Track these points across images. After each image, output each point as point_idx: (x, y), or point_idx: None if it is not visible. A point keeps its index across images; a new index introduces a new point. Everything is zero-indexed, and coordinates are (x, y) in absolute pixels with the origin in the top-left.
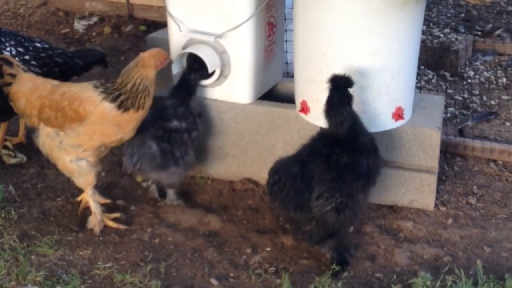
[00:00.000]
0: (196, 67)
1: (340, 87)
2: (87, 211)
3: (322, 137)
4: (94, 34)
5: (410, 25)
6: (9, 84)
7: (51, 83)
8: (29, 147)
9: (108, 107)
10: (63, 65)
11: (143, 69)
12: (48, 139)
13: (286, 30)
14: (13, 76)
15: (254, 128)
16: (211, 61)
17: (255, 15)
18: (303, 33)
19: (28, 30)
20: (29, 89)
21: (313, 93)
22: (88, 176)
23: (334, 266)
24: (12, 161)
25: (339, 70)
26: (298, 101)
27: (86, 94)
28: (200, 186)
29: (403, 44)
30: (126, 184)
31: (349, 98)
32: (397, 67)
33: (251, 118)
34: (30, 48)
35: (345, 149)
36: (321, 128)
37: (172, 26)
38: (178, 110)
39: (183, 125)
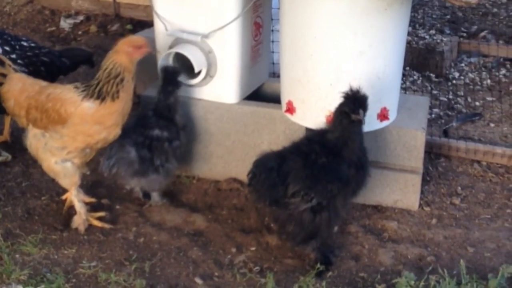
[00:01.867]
0: (173, 80)
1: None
2: (72, 210)
3: (310, 137)
4: (80, 33)
5: (396, 26)
6: (0, 84)
7: (39, 84)
8: (14, 146)
9: (87, 106)
10: (49, 64)
11: (116, 55)
12: (34, 140)
13: (272, 31)
14: (4, 76)
15: (240, 128)
16: (198, 61)
17: (241, 15)
18: (290, 33)
19: (14, 29)
20: (18, 89)
21: (299, 94)
22: (73, 177)
23: (318, 266)
24: None
25: (326, 71)
26: (284, 101)
27: (67, 96)
28: (185, 186)
29: (389, 45)
30: (110, 183)
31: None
32: (382, 68)
33: (237, 118)
34: (17, 47)
35: (328, 152)
36: (310, 129)
37: (158, 26)
38: (160, 121)
39: (164, 134)
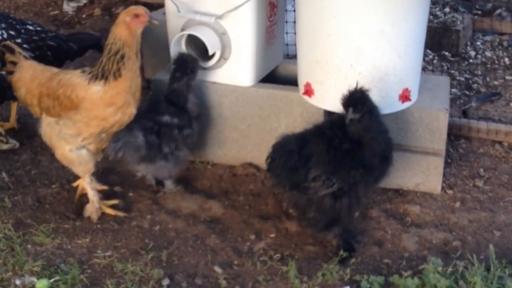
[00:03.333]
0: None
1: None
2: (84, 198)
3: (331, 121)
4: (84, 16)
5: (417, 3)
6: (11, 73)
7: (50, 71)
8: (22, 133)
9: (96, 89)
10: (56, 48)
11: (115, 28)
12: (48, 129)
13: (286, 11)
14: (15, 64)
15: (256, 112)
16: (211, 43)
17: None
18: (307, 13)
19: (16, 13)
20: (29, 77)
21: (318, 75)
22: (88, 165)
23: (341, 252)
24: (4, 147)
25: (345, 51)
26: (302, 83)
27: (77, 81)
28: (200, 171)
29: (410, 23)
30: (123, 170)
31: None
32: (404, 47)
33: (253, 101)
34: (22, 31)
35: (351, 138)
36: (329, 112)
37: (170, 7)
38: (170, 107)
39: (174, 121)
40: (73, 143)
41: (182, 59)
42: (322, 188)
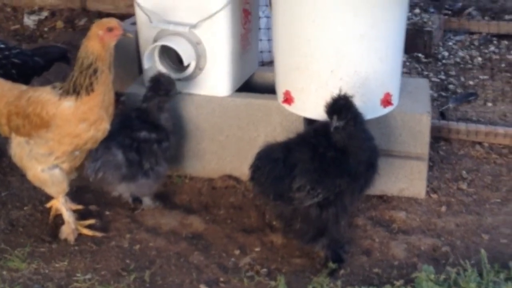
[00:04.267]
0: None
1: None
2: (58, 218)
3: (317, 129)
4: (46, 29)
5: (397, 5)
6: None
7: (19, 89)
8: None
9: (67, 105)
10: (21, 66)
11: (87, 41)
12: (18, 149)
13: (260, 17)
14: None
15: (234, 122)
16: (186, 54)
17: (230, 2)
18: (285, 18)
19: None
20: None
21: (297, 82)
22: (61, 185)
23: (330, 264)
24: None
25: (326, 56)
26: (281, 91)
27: (46, 97)
28: (178, 186)
29: (390, 26)
30: (97, 188)
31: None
32: (385, 50)
33: (230, 111)
34: None
35: (336, 145)
36: (309, 120)
37: (141, 17)
38: (145, 123)
39: (153, 136)
40: (45, 163)
41: (156, 79)
42: (307, 198)
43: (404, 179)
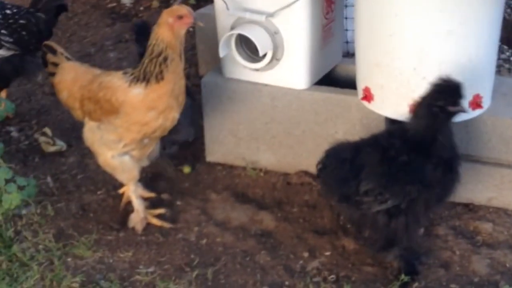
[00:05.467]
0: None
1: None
2: (129, 206)
3: (391, 130)
4: (141, 8)
5: (491, 1)
6: (53, 74)
7: (92, 72)
8: (69, 133)
9: (136, 92)
10: (26, 25)
11: (158, 29)
12: (90, 133)
13: (346, 6)
14: (56, 65)
15: (311, 116)
16: (262, 43)
17: None
18: (367, 11)
19: (73, 5)
20: (71, 79)
21: (378, 79)
22: (131, 172)
23: (402, 276)
24: (51, 149)
25: (408, 53)
26: (360, 87)
27: (117, 83)
28: (252, 179)
29: (482, 22)
30: (171, 175)
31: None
32: (475, 49)
33: (307, 105)
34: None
35: (410, 149)
36: (390, 119)
37: (218, 4)
38: None
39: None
40: (115, 149)
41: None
42: (375, 204)
43: (493, 187)
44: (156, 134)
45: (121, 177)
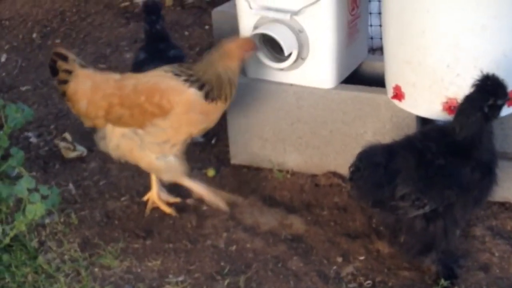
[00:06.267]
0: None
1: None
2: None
3: (426, 132)
4: None
5: None
6: (65, 82)
7: (112, 78)
8: (90, 138)
9: (195, 94)
10: None
11: (229, 61)
12: (124, 140)
13: (370, 1)
14: (69, 72)
15: (338, 116)
16: (287, 42)
17: None
18: (396, 6)
19: (86, 5)
20: (89, 88)
21: (409, 77)
22: (178, 169)
23: (441, 281)
24: (72, 155)
25: (441, 50)
26: (390, 85)
27: (168, 84)
28: (279, 181)
29: None
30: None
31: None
32: (509, 44)
33: (334, 105)
34: None
35: (447, 152)
36: (422, 118)
37: (241, 3)
38: None
39: None
40: (159, 151)
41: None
42: (412, 209)
43: None
44: (193, 135)
45: (166, 176)
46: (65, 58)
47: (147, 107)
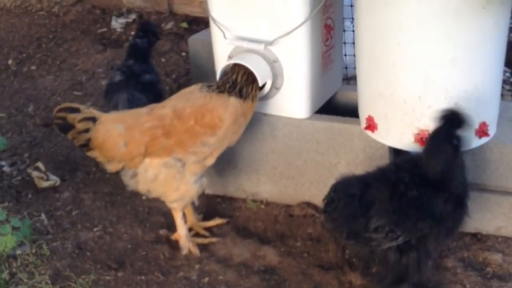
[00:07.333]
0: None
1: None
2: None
3: (399, 164)
4: (132, 33)
5: (495, 26)
6: (86, 131)
7: (139, 113)
8: (63, 167)
9: (235, 100)
10: None
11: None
12: (165, 169)
13: (344, 31)
14: (89, 119)
15: (312, 146)
16: (262, 72)
17: (310, 18)
18: (368, 38)
19: (63, 31)
20: (124, 128)
21: (381, 108)
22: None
23: None
24: (44, 184)
25: (412, 82)
26: (363, 116)
27: (212, 102)
28: (253, 211)
29: (487, 49)
30: (167, 209)
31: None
32: (480, 76)
33: (309, 135)
34: None
35: (419, 183)
36: (394, 148)
37: (215, 33)
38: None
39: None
40: (198, 169)
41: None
42: (385, 241)
43: (502, 216)
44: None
45: (189, 201)
46: (76, 110)
47: (198, 129)
